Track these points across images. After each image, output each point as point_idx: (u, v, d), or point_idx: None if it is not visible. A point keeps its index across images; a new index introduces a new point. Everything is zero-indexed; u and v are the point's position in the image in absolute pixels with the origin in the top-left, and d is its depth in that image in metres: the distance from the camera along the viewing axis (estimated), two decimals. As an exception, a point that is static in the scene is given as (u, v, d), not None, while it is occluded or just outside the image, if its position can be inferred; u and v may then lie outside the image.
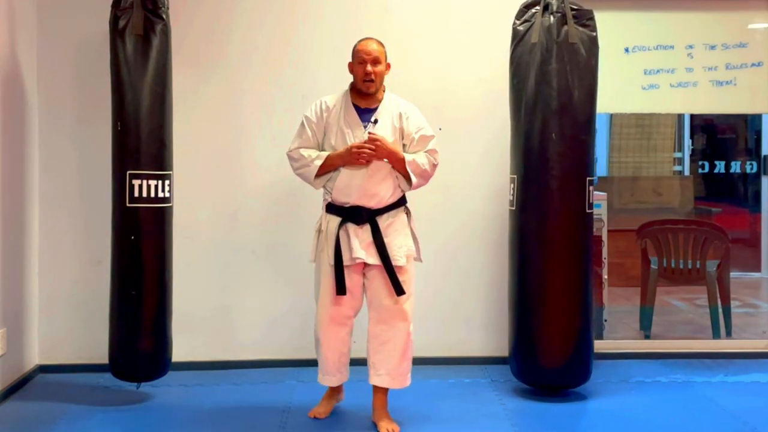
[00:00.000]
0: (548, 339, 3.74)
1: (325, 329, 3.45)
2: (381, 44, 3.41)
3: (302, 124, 3.47)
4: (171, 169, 3.75)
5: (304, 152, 3.41)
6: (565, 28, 3.71)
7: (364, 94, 3.40)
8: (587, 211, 3.76)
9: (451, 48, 4.43)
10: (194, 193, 4.29)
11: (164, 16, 3.69)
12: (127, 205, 3.61)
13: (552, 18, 3.72)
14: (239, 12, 4.36)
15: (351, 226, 3.35)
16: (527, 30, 3.78)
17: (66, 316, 4.28)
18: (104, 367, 3.86)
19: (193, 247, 4.27)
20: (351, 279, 3.39)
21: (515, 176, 3.84)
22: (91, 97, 4.23)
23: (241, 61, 4.35)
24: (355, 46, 3.43)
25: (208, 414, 3.66)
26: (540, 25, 3.73)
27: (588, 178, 3.75)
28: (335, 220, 3.38)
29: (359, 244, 3.33)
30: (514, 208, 3.85)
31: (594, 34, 3.76)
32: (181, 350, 3.97)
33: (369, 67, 3.33)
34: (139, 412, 3.69)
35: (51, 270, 4.27)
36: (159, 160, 3.67)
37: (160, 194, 3.66)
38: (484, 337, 4.43)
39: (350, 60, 3.45)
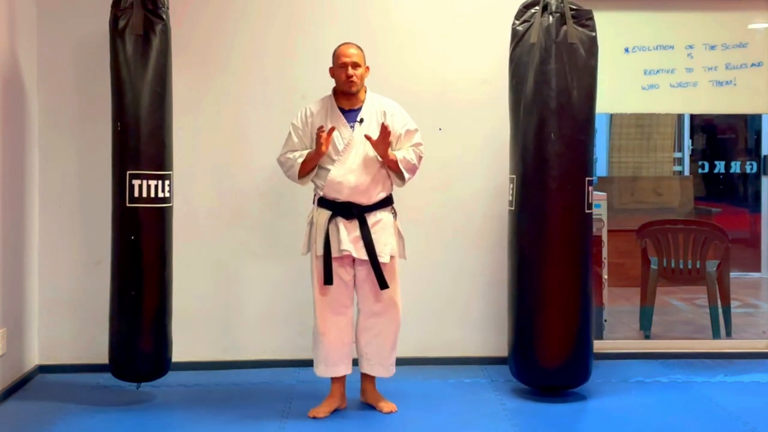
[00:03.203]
0: (547, 339, 3.74)
1: (325, 319, 3.54)
2: (360, 48, 3.57)
3: (289, 131, 3.61)
4: (171, 169, 3.75)
5: (290, 155, 3.58)
6: (564, 28, 3.71)
7: (347, 96, 3.55)
8: (587, 211, 3.75)
9: (451, 48, 4.43)
10: (194, 193, 4.29)
11: (164, 16, 3.69)
12: (127, 205, 3.61)
13: (551, 18, 3.72)
14: (241, 13, 4.36)
15: (340, 220, 3.48)
16: (526, 30, 3.78)
17: (66, 316, 4.28)
18: (104, 367, 3.86)
19: (193, 247, 4.27)
20: (344, 270, 3.52)
21: (514, 176, 3.84)
22: (91, 97, 4.23)
23: (241, 62, 4.36)
24: (335, 51, 3.57)
25: (208, 414, 3.65)
26: (539, 26, 3.73)
27: (587, 179, 3.75)
28: (325, 213, 3.51)
29: (347, 237, 3.45)
30: (513, 209, 3.84)
31: (593, 34, 3.76)
32: (181, 350, 3.97)
33: (350, 70, 3.49)
34: (139, 412, 3.69)
35: (51, 270, 4.27)
36: (159, 160, 3.67)
37: (160, 194, 3.66)
38: (484, 337, 4.43)
39: (330, 65, 3.59)
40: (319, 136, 3.39)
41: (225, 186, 4.37)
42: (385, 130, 3.40)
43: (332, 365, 3.57)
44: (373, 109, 3.55)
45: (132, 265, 3.65)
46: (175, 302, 3.81)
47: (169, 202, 3.74)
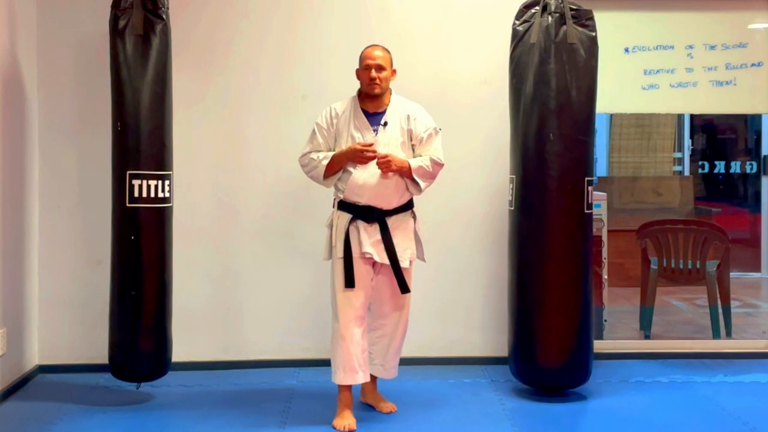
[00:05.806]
0: (547, 339, 3.74)
1: (347, 323, 3.45)
2: (386, 51, 3.53)
3: (313, 130, 3.56)
4: (171, 169, 3.75)
5: (314, 155, 3.52)
6: (564, 28, 3.71)
7: (372, 99, 3.51)
8: (586, 211, 3.76)
9: (451, 48, 4.43)
10: (194, 193, 4.29)
11: (164, 16, 3.69)
12: (127, 205, 3.61)
13: (551, 18, 3.73)
14: (241, 14, 4.36)
15: (361, 223, 3.45)
16: (526, 30, 3.79)
17: (66, 316, 4.28)
18: (104, 367, 3.86)
19: (193, 247, 4.27)
20: (365, 271, 3.47)
21: (514, 176, 3.84)
22: (91, 97, 4.23)
23: (241, 62, 4.35)
24: (361, 53, 3.54)
25: (208, 414, 3.65)
26: (539, 26, 3.73)
27: (587, 179, 3.75)
28: (346, 216, 3.48)
29: (368, 240, 3.43)
30: (513, 209, 3.85)
31: (593, 34, 3.76)
32: (181, 350, 3.97)
33: (374, 73, 3.45)
34: (139, 412, 3.69)
35: (51, 270, 4.27)
36: (159, 160, 3.67)
37: (160, 194, 3.66)
38: (484, 337, 4.43)
39: (357, 67, 3.56)
40: (364, 151, 3.34)
41: (225, 186, 4.37)
42: (385, 157, 3.36)
43: (351, 371, 3.47)
44: (397, 112, 3.50)
45: (132, 265, 3.65)
46: (175, 302, 3.81)
47: (169, 202, 3.74)
